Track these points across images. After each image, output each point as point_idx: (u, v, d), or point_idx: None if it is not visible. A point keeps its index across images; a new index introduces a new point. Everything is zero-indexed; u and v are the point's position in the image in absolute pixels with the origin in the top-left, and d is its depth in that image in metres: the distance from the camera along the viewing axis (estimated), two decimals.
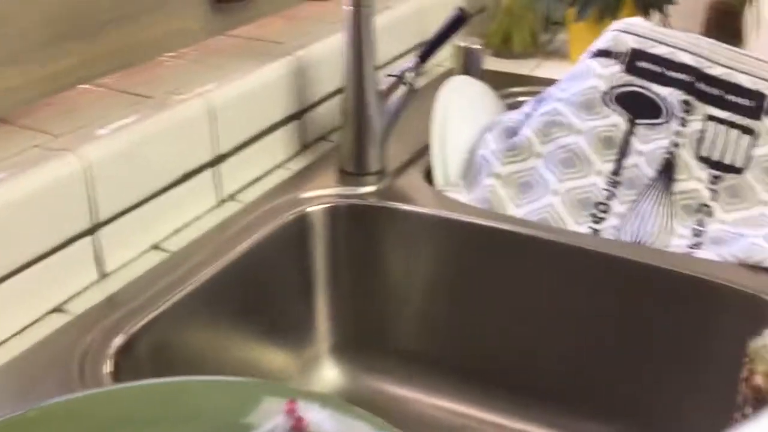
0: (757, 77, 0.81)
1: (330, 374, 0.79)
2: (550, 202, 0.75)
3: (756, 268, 0.66)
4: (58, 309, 0.60)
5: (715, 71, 0.81)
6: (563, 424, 0.73)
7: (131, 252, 0.66)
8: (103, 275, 0.63)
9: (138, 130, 0.64)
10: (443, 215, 0.74)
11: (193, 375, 0.44)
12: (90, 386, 0.52)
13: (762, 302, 0.63)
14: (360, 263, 0.78)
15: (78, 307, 0.60)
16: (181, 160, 0.68)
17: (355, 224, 0.76)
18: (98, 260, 0.63)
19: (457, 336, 0.77)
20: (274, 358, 0.74)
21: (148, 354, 0.58)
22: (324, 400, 0.41)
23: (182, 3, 0.78)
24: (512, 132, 0.81)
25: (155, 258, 0.66)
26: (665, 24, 1.08)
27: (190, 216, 0.71)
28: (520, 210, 0.75)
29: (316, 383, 0.78)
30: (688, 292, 0.66)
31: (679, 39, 0.83)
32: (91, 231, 0.61)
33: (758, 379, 0.36)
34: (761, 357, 0.36)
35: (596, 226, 0.74)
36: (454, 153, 0.81)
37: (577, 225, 0.74)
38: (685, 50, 0.82)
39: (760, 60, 0.82)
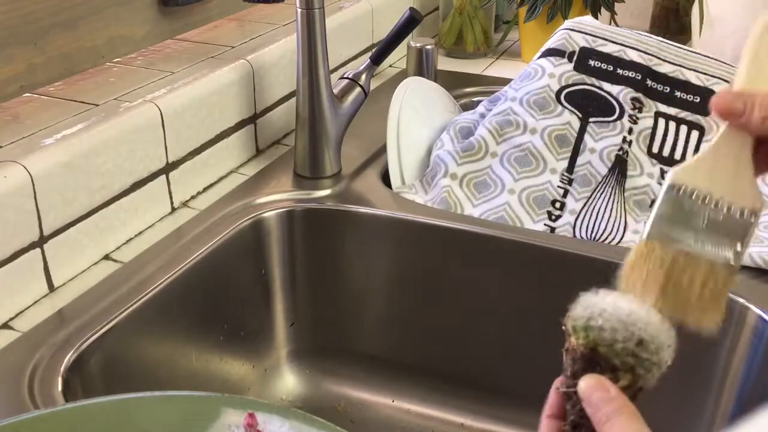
0: (704, 74, 0.82)
1: (290, 381, 0.78)
2: (506, 200, 0.76)
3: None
4: (5, 326, 0.58)
5: (664, 68, 0.82)
6: (529, 423, 0.74)
7: (81, 264, 0.64)
8: (53, 289, 0.61)
9: (85, 139, 0.62)
10: (400, 217, 0.73)
11: (149, 390, 0.43)
12: (40, 406, 0.50)
13: None
14: (318, 268, 0.77)
15: (26, 323, 0.58)
16: (131, 168, 0.67)
17: (312, 228, 0.75)
18: (47, 274, 0.61)
19: (417, 338, 0.77)
20: (232, 367, 0.73)
21: (100, 370, 0.57)
22: (285, 411, 0.40)
23: (127, 7, 0.76)
24: (467, 132, 0.82)
25: (107, 269, 0.64)
26: (614, 22, 1.09)
27: (142, 225, 0.70)
28: (477, 209, 0.76)
29: (277, 391, 0.77)
30: None
31: (628, 37, 0.84)
32: (38, 243, 0.59)
33: (572, 342, 0.38)
34: (573, 330, 0.38)
35: (552, 224, 0.75)
36: (410, 154, 0.81)
37: (533, 223, 0.75)
38: (634, 48, 0.83)
39: (706, 57, 0.84)
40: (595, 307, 0.38)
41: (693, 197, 0.39)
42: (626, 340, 0.37)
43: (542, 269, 0.70)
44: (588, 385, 0.37)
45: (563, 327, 0.39)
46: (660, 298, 0.38)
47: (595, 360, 0.37)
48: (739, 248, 0.38)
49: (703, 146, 0.38)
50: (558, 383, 0.39)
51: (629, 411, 0.36)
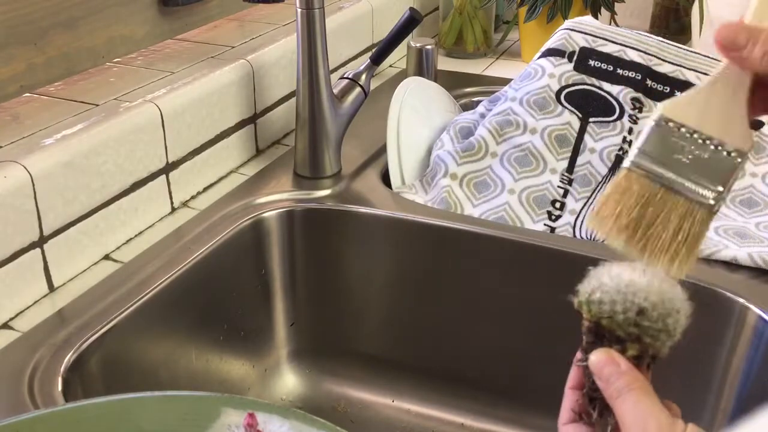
0: (704, 73, 0.82)
1: (290, 381, 0.78)
2: (506, 200, 0.76)
3: (708, 261, 0.67)
4: (5, 326, 0.58)
5: (664, 68, 0.82)
6: (529, 423, 0.74)
7: (81, 264, 0.64)
8: (53, 289, 0.61)
9: (85, 139, 0.62)
10: (400, 217, 0.73)
11: (149, 389, 0.43)
12: (40, 406, 0.50)
13: (715, 294, 0.64)
14: (318, 268, 0.77)
15: (26, 323, 0.58)
16: (131, 168, 0.67)
17: (311, 228, 0.75)
18: (47, 274, 0.61)
19: (418, 338, 0.77)
20: (232, 367, 0.73)
21: (100, 370, 0.57)
22: (285, 411, 0.40)
23: (127, 7, 0.76)
24: (467, 132, 0.82)
25: (107, 269, 0.64)
26: (614, 22, 1.09)
27: (142, 225, 0.70)
28: (477, 209, 0.76)
29: (277, 391, 0.77)
30: None
31: (628, 37, 0.84)
32: (38, 243, 0.59)
33: (585, 323, 0.38)
34: (579, 305, 0.38)
35: (552, 224, 0.75)
36: (410, 154, 0.81)
37: (533, 223, 0.75)
38: (634, 48, 0.83)
39: (706, 57, 0.84)
40: (596, 281, 0.38)
41: (680, 132, 0.37)
42: (626, 311, 0.36)
43: (542, 269, 0.70)
44: (598, 359, 0.37)
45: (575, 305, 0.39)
46: (631, 236, 0.37)
47: (600, 333, 0.37)
48: (720, 189, 0.37)
49: (702, 81, 0.37)
50: (576, 357, 0.39)
51: (640, 386, 0.36)
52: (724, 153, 0.37)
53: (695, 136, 0.37)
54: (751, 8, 0.38)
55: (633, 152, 0.38)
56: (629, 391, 0.35)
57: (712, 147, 0.37)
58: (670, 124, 0.38)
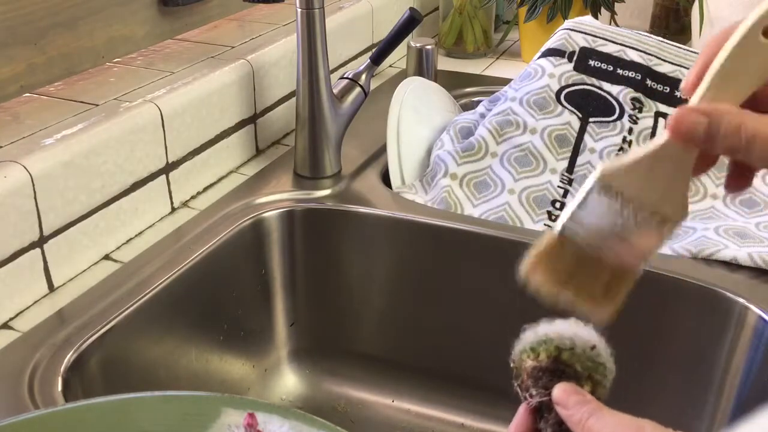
0: None
1: (290, 381, 0.78)
2: (507, 200, 0.76)
3: (708, 261, 0.67)
4: (5, 326, 0.58)
5: (664, 68, 0.82)
6: None
7: (81, 264, 0.64)
8: (53, 289, 0.61)
9: (85, 139, 0.62)
10: (401, 217, 0.73)
11: (149, 389, 0.43)
12: (40, 406, 0.50)
13: (715, 295, 0.64)
14: (318, 268, 0.77)
15: (26, 323, 0.58)
16: (131, 168, 0.67)
17: (312, 228, 0.75)
18: (47, 274, 0.61)
19: (418, 338, 0.77)
20: (232, 367, 0.73)
21: (100, 370, 0.57)
22: (285, 411, 0.40)
23: (127, 7, 0.76)
24: (467, 132, 0.82)
25: (107, 269, 0.64)
26: (614, 22, 1.09)
27: (142, 225, 0.70)
28: (477, 209, 0.76)
29: (277, 391, 0.77)
30: (641, 287, 0.66)
31: (628, 37, 0.84)
32: (38, 243, 0.59)
33: (528, 364, 0.39)
34: (530, 350, 0.39)
35: (552, 224, 0.75)
36: (410, 154, 0.81)
37: (533, 223, 0.75)
38: (634, 48, 0.83)
39: None
40: (540, 330, 0.39)
41: (618, 199, 0.37)
42: (582, 346, 0.38)
43: None
44: (563, 390, 0.37)
45: (511, 365, 0.40)
46: (559, 291, 0.38)
47: (559, 369, 0.38)
48: (648, 256, 0.38)
49: (642, 146, 0.36)
50: (527, 403, 0.39)
51: (607, 409, 0.36)
52: (658, 223, 0.37)
53: (630, 204, 0.37)
54: (705, 81, 0.36)
55: (567, 213, 0.38)
56: (599, 409, 0.36)
57: (646, 216, 0.37)
58: (609, 190, 0.37)
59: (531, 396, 0.38)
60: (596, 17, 1.06)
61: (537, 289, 0.39)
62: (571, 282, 0.38)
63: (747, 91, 0.36)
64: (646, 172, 0.37)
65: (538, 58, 0.84)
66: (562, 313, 0.40)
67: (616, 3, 1.09)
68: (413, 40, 0.98)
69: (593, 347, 0.38)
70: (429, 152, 0.82)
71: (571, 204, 0.38)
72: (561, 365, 0.38)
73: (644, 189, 0.37)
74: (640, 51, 0.83)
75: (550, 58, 0.83)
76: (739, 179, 0.38)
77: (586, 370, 0.38)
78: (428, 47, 0.98)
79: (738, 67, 0.35)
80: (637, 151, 0.37)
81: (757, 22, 0.35)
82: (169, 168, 0.71)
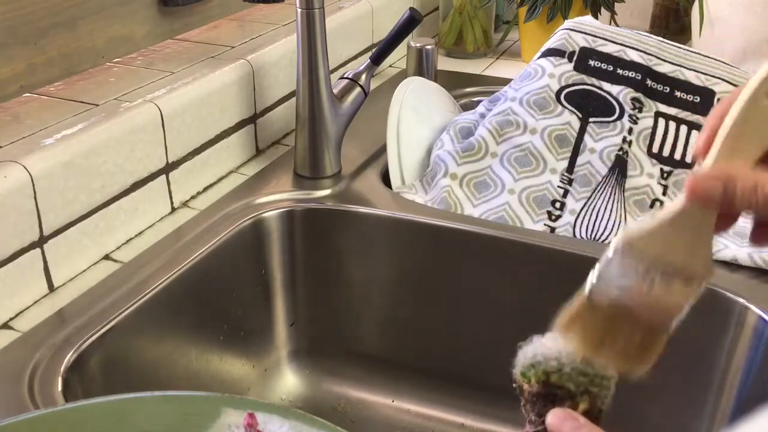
0: (704, 74, 0.82)
1: (290, 381, 0.78)
2: (506, 200, 0.76)
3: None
4: (5, 326, 0.58)
5: (664, 68, 0.82)
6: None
7: (81, 264, 0.64)
8: (53, 289, 0.61)
9: (85, 139, 0.62)
10: (401, 217, 0.73)
11: (149, 390, 0.43)
12: (40, 406, 0.50)
13: (715, 295, 0.64)
14: (318, 268, 0.77)
15: (26, 323, 0.58)
16: (131, 168, 0.67)
17: (312, 228, 0.75)
18: (47, 274, 0.61)
19: (418, 338, 0.77)
20: (232, 367, 0.73)
21: (100, 370, 0.57)
22: (285, 411, 0.40)
23: (127, 7, 0.76)
24: (467, 132, 0.82)
25: (107, 269, 0.64)
26: (614, 22, 1.09)
27: (142, 225, 0.70)
28: (477, 209, 0.76)
29: (277, 391, 0.77)
30: None
31: (628, 37, 0.84)
32: (38, 243, 0.59)
33: (525, 388, 0.39)
34: (522, 376, 0.40)
35: (552, 224, 0.75)
36: (410, 154, 0.81)
37: (533, 223, 0.75)
38: (634, 48, 0.83)
39: (706, 57, 0.84)
40: (528, 352, 0.39)
41: (643, 261, 0.38)
42: (571, 362, 0.38)
43: (542, 269, 0.70)
44: (556, 417, 0.37)
45: (514, 386, 0.40)
46: (595, 351, 0.39)
47: (551, 392, 0.38)
48: (679, 316, 0.39)
49: (663, 209, 0.37)
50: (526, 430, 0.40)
51: (600, 430, 0.36)
52: (684, 282, 0.38)
53: (657, 267, 0.38)
54: (716, 146, 0.37)
55: (595, 276, 0.39)
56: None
57: (673, 276, 0.38)
58: (633, 253, 0.38)
59: (531, 422, 0.39)
60: (596, 17, 1.06)
61: (576, 351, 0.39)
62: (604, 343, 0.39)
63: (758, 152, 0.37)
64: (668, 234, 0.38)
65: (538, 58, 0.84)
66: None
67: (616, 3, 1.09)
68: (413, 40, 0.98)
69: (584, 359, 0.38)
70: (429, 152, 0.82)
71: (598, 266, 0.39)
72: (552, 388, 0.38)
73: (668, 250, 0.38)
74: (640, 51, 0.83)
75: (550, 58, 0.83)
76: (762, 233, 0.40)
77: (579, 386, 0.38)
78: (428, 47, 0.98)
79: (745, 131, 0.37)
80: (658, 215, 0.38)
81: (758, 87, 0.36)
82: (169, 168, 0.71)
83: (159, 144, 0.70)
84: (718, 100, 0.81)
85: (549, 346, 0.39)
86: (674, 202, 0.38)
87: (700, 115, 0.80)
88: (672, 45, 0.84)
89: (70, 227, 0.62)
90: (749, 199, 0.35)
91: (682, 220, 0.38)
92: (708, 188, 0.36)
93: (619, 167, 0.77)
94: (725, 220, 0.38)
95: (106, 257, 0.66)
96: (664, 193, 0.77)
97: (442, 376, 0.77)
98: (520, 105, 0.80)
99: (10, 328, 0.57)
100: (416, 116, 0.84)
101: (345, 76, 0.80)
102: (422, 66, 0.98)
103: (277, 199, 0.75)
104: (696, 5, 1.09)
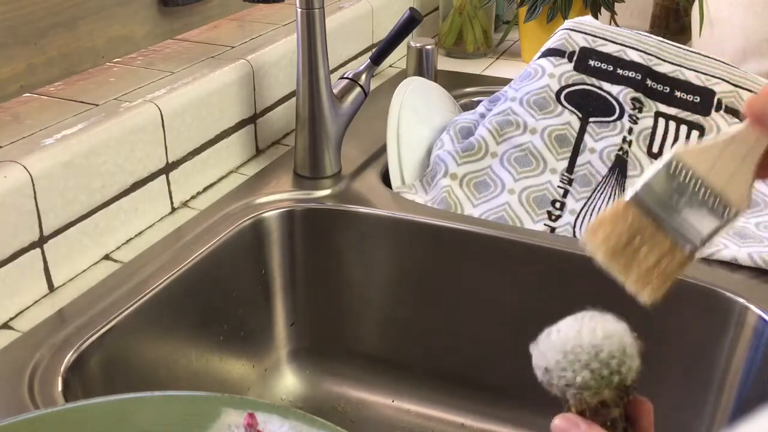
0: (704, 74, 0.82)
1: (290, 381, 0.78)
2: (506, 200, 0.76)
3: (708, 260, 0.67)
4: (5, 326, 0.58)
5: (664, 68, 0.82)
6: (529, 423, 0.74)
7: (81, 264, 0.64)
8: (53, 289, 0.61)
9: (85, 139, 0.62)
10: (400, 217, 0.73)
11: (149, 390, 0.43)
12: (40, 406, 0.50)
13: (715, 295, 0.64)
14: (318, 268, 0.77)
15: (26, 323, 0.58)
16: (131, 168, 0.67)
17: (312, 228, 0.75)
18: (47, 274, 0.61)
19: (418, 338, 0.77)
20: (232, 367, 0.73)
21: (100, 370, 0.57)
22: (285, 411, 0.40)
23: (127, 7, 0.76)
24: (467, 132, 0.82)
25: (107, 269, 0.64)
26: (614, 22, 1.09)
27: (142, 225, 0.70)
28: (477, 209, 0.76)
29: (277, 391, 0.77)
30: None
31: (628, 37, 0.84)
32: (38, 243, 0.59)
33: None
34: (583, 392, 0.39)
35: (552, 224, 0.75)
36: (410, 154, 0.81)
37: (533, 223, 0.75)
38: (634, 48, 0.83)
39: (706, 57, 0.84)
40: (544, 362, 0.40)
41: (686, 177, 0.39)
42: (594, 355, 0.37)
43: (542, 269, 0.70)
44: (558, 427, 0.37)
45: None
46: (615, 257, 0.39)
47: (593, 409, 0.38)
48: (705, 242, 0.39)
49: (721, 133, 0.38)
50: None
51: None
52: (720, 208, 0.39)
53: (698, 184, 0.39)
54: None
55: (637, 186, 0.40)
56: None
57: (711, 199, 0.39)
58: (680, 167, 0.39)
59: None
60: (596, 17, 1.06)
61: (592, 253, 0.40)
62: (625, 252, 0.39)
63: None
64: (716, 156, 0.39)
65: (538, 58, 0.84)
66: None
67: (616, 3, 1.09)
68: (413, 40, 0.98)
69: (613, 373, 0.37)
70: (429, 152, 0.82)
71: (644, 176, 0.40)
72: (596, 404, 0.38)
73: (712, 171, 0.39)
74: (640, 51, 0.83)
75: (550, 58, 0.83)
76: None
77: (615, 397, 0.37)
78: (428, 47, 0.98)
79: None
80: (716, 137, 0.39)
81: None
82: (169, 168, 0.71)
83: (159, 144, 0.70)
84: (719, 100, 0.81)
85: (567, 348, 0.38)
86: (732, 128, 0.39)
87: (700, 115, 0.80)
88: (672, 45, 0.84)
89: (70, 227, 0.62)
90: None
91: (733, 147, 0.39)
92: (764, 105, 0.37)
93: (619, 167, 0.77)
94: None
95: (106, 257, 0.66)
96: None
97: (442, 376, 0.77)
98: (520, 105, 0.80)
99: (10, 328, 0.57)
100: (416, 116, 0.84)
101: (345, 76, 0.80)
102: (422, 66, 0.98)
103: (277, 199, 0.75)
104: (696, 5, 1.09)
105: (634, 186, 0.40)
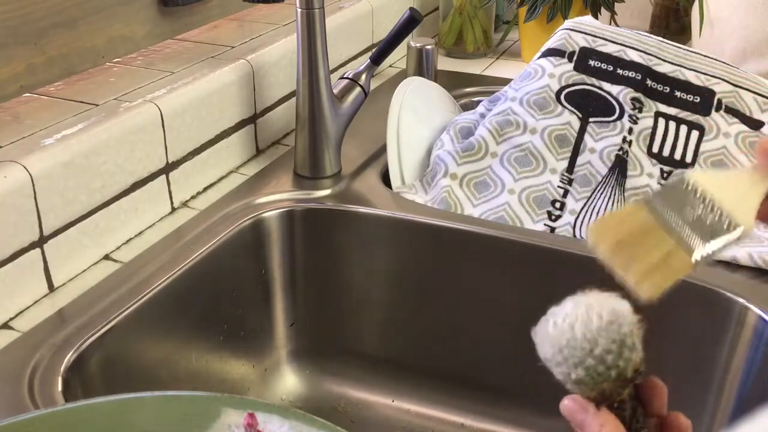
0: (704, 74, 0.82)
1: (290, 381, 0.78)
2: (506, 200, 0.76)
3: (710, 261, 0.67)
4: (5, 326, 0.58)
5: (664, 68, 0.82)
6: (528, 423, 0.74)
7: (81, 264, 0.64)
8: (53, 289, 0.61)
9: (85, 139, 0.62)
10: (401, 217, 0.73)
11: (149, 390, 0.43)
12: (40, 406, 0.50)
13: (715, 295, 0.64)
14: (318, 268, 0.77)
15: (26, 323, 0.58)
16: (131, 168, 0.67)
17: (312, 228, 0.75)
18: (47, 274, 0.61)
19: (418, 338, 0.77)
20: (232, 367, 0.73)
21: (100, 370, 0.57)
22: (285, 411, 0.40)
23: (127, 7, 0.76)
24: (467, 132, 0.82)
25: (107, 269, 0.64)
26: (614, 22, 1.09)
27: (142, 225, 0.70)
28: (477, 209, 0.76)
29: (277, 391, 0.77)
30: None
31: (628, 37, 0.84)
32: (38, 243, 0.59)
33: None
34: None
35: (552, 224, 0.75)
36: (410, 154, 0.81)
37: (533, 223, 0.75)
38: (634, 48, 0.83)
39: (706, 57, 0.84)
40: (552, 355, 0.40)
41: (697, 194, 0.41)
42: (588, 364, 0.37)
43: (542, 269, 0.70)
44: (567, 407, 0.37)
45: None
46: (616, 250, 0.40)
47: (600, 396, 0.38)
48: (709, 251, 0.40)
49: (734, 168, 0.41)
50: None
51: (613, 422, 0.36)
52: (725, 225, 0.40)
53: (707, 200, 0.41)
54: None
55: (651, 192, 0.42)
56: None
57: (717, 216, 0.41)
58: (691, 185, 0.42)
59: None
60: (596, 17, 1.06)
61: (595, 245, 0.41)
62: (628, 248, 0.40)
63: None
64: (726, 179, 0.42)
65: (538, 58, 0.84)
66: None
67: (616, 3, 1.09)
68: (413, 40, 0.98)
69: (590, 361, 0.37)
70: (429, 152, 0.82)
71: (665, 183, 0.42)
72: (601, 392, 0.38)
73: (722, 193, 0.41)
74: (640, 51, 0.83)
75: (550, 58, 0.83)
76: None
77: (616, 387, 0.38)
78: (428, 47, 0.98)
79: None
80: (726, 171, 0.42)
81: None
82: (169, 168, 0.71)
83: (159, 144, 0.70)
84: (718, 100, 0.81)
85: (561, 355, 0.38)
86: (745, 165, 0.42)
87: (700, 115, 0.80)
88: (672, 45, 0.84)
89: (70, 227, 0.62)
90: None
91: (744, 176, 0.42)
92: None
93: (619, 167, 0.77)
94: None
95: (106, 257, 0.66)
96: None
97: (442, 376, 0.77)
98: (520, 105, 0.80)
99: (10, 328, 0.57)
100: (416, 116, 0.84)
101: (345, 76, 0.80)
102: (422, 66, 0.98)
103: (277, 199, 0.75)
104: (696, 5, 1.09)
105: (654, 189, 0.42)
